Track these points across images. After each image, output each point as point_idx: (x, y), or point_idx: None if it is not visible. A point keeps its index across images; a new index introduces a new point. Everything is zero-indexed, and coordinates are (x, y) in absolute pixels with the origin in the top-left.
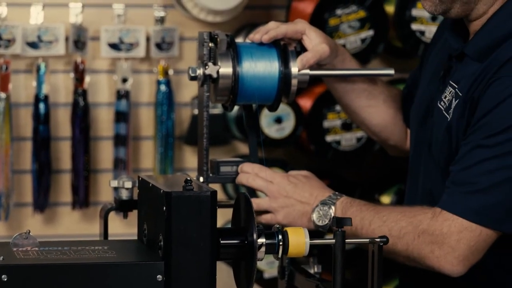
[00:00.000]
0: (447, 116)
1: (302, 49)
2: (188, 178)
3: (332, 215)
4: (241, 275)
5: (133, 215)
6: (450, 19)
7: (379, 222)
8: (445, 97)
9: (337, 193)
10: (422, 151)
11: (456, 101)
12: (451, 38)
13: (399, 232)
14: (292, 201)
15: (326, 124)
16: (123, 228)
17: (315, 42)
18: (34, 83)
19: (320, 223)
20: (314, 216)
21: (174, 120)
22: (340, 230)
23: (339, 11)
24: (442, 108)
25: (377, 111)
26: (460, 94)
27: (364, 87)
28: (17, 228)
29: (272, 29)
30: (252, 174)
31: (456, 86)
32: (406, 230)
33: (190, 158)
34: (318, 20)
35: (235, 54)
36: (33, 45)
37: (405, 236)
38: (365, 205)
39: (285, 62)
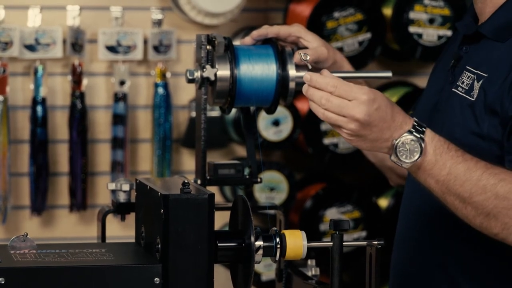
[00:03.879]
0: (469, 97)
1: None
2: (186, 181)
3: (419, 153)
4: (239, 278)
5: (131, 217)
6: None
7: (492, 180)
8: (462, 83)
9: (418, 127)
10: None
11: (480, 82)
12: (461, 26)
13: None
14: (374, 123)
15: (324, 126)
16: (121, 230)
17: (314, 45)
18: (32, 86)
19: (403, 158)
20: (394, 155)
21: (172, 123)
22: (337, 232)
23: (336, 14)
24: (460, 92)
25: None
26: (485, 75)
27: None
28: (15, 231)
29: (263, 28)
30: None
31: (476, 70)
32: None
33: (187, 161)
34: (315, 22)
35: (232, 56)
36: (30, 47)
37: None
38: (464, 153)
39: (282, 64)
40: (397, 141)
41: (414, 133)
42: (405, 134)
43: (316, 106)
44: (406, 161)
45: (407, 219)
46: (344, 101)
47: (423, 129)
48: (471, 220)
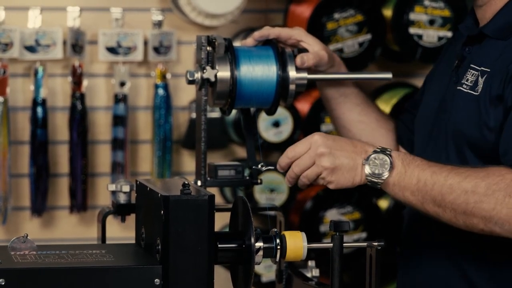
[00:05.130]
0: (474, 92)
1: (299, 53)
2: (186, 182)
3: (389, 164)
4: (239, 279)
5: (131, 219)
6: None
7: (458, 178)
8: (467, 80)
9: (382, 149)
10: (430, 141)
11: (484, 77)
12: (463, 28)
13: (486, 189)
14: (338, 155)
15: (324, 128)
16: (121, 232)
17: (315, 49)
18: (32, 87)
19: (376, 172)
20: (368, 168)
21: (172, 124)
22: (337, 234)
23: (337, 15)
24: (465, 89)
25: (368, 128)
26: (488, 70)
27: (357, 102)
28: (15, 232)
29: (265, 29)
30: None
31: (481, 67)
32: (497, 187)
33: (188, 162)
34: (316, 24)
35: (233, 58)
36: (31, 49)
37: (495, 193)
38: (431, 162)
39: (283, 66)
40: (367, 160)
41: (379, 152)
42: (372, 154)
43: (300, 181)
44: (380, 173)
45: (413, 216)
46: (305, 153)
47: (388, 149)
48: (456, 222)
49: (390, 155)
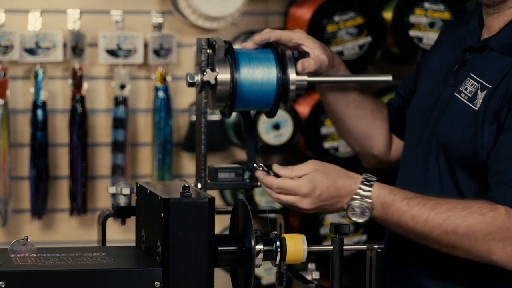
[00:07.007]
0: (472, 106)
1: (300, 55)
2: (186, 185)
3: (369, 213)
4: (239, 281)
5: (131, 221)
6: (460, 19)
7: (438, 219)
8: (465, 89)
9: (365, 187)
10: (422, 140)
11: (484, 92)
12: (467, 33)
13: (467, 229)
14: (323, 204)
15: (324, 130)
16: (121, 234)
17: (316, 53)
18: (32, 90)
19: (354, 219)
20: (349, 213)
21: (172, 127)
22: (338, 236)
23: (337, 18)
24: (463, 98)
25: (364, 121)
26: (490, 86)
27: (355, 97)
28: (15, 235)
29: (266, 33)
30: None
31: (480, 79)
32: (477, 227)
33: (188, 165)
34: (316, 26)
35: (233, 60)
36: (31, 51)
37: (475, 233)
38: (410, 199)
39: (283, 68)
40: (347, 208)
41: (359, 199)
42: (352, 203)
43: (271, 192)
44: (360, 220)
45: None
46: (291, 197)
47: (370, 188)
48: (440, 250)
49: (369, 201)
